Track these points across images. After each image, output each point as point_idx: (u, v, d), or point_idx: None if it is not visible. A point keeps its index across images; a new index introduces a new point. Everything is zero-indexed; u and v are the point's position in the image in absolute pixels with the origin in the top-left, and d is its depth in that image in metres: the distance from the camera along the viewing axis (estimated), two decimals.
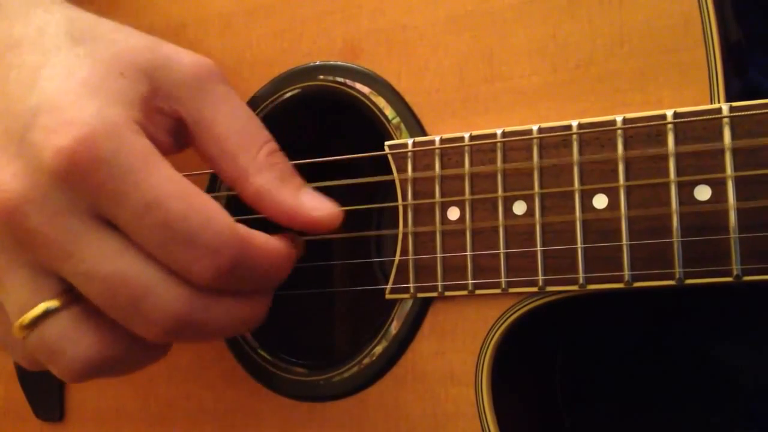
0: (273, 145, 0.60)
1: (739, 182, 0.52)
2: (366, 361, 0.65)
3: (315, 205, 0.59)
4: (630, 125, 0.55)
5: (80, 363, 0.54)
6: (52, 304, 0.54)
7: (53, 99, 0.52)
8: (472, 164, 0.60)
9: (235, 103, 0.59)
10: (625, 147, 0.55)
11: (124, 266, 0.52)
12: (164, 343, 0.58)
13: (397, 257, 0.63)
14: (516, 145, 0.59)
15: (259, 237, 0.56)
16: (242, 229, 0.54)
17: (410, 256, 0.62)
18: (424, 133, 0.63)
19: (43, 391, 0.79)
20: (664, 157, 0.54)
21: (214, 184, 0.72)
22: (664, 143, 0.54)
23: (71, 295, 0.54)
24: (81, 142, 0.50)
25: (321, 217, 0.59)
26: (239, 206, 0.63)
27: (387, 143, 0.64)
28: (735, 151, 0.52)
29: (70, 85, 0.53)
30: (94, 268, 0.52)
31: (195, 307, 0.54)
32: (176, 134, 0.58)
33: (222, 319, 0.56)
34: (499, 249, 0.59)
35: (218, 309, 0.55)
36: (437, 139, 0.62)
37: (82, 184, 0.51)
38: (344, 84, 0.67)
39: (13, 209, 0.52)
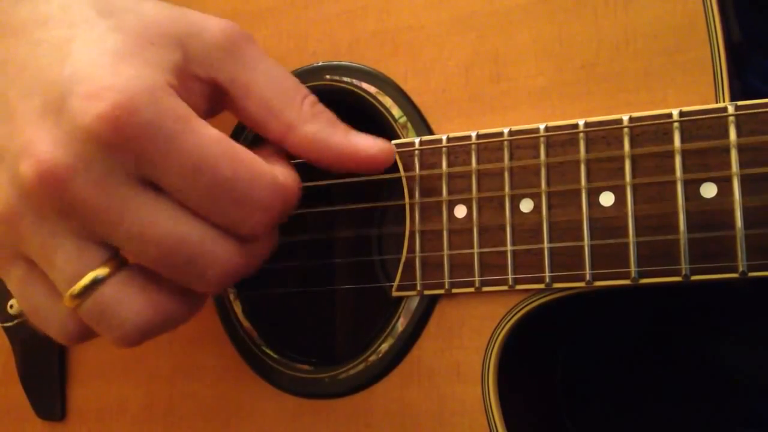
0: (313, 97, 0.61)
1: (744, 180, 0.53)
2: (372, 358, 0.65)
3: (368, 144, 0.61)
4: (636, 123, 0.56)
5: (134, 326, 0.55)
6: (101, 271, 0.54)
7: (88, 68, 0.52)
8: (479, 162, 0.61)
9: (269, 62, 0.60)
10: (632, 145, 0.56)
11: (176, 228, 0.53)
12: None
13: (404, 255, 0.63)
14: (523, 143, 0.59)
15: (289, 178, 0.57)
16: (281, 177, 0.56)
17: (417, 254, 0.63)
18: (431, 133, 0.64)
19: (45, 390, 0.79)
20: (671, 155, 0.55)
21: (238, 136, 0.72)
22: (671, 141, 0.55)
23: (118, 261, 0.55)
24: (122, 107, 0.51)
25: (376, 153, 0.61)
26: None
27: (394, 142, 0.64)
28: (740, 149, 0.53)
29: (102, 54, 0.53)
30: (147, 231, 0.52)
31: (245, 257, 0.55)
32: (211, 100, 0.59)
33: (261, 258, 0.58)
34: (506, 246, 0.60)
35: (259, 251, 0.57)
36: (444, 137, 0.62)
37: (127, 148, 0.51)
38: (351, 84, 0.68)
39: (56, 178, 0.51)
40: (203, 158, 0.52)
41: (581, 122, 0.58)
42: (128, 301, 0.54)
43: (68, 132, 0.52)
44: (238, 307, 0.72)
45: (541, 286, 0.58)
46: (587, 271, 0.57)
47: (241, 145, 0.54)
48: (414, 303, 0.63)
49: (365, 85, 0.67)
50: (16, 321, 0.79)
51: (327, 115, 0.61)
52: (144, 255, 0.54)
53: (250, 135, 0.72)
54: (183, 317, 0.58)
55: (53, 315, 0.57)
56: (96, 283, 0.54)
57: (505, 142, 0.60)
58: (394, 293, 0.64)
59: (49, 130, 0.52)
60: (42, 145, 0.52)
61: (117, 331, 0.55)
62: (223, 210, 0.53)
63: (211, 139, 0.53)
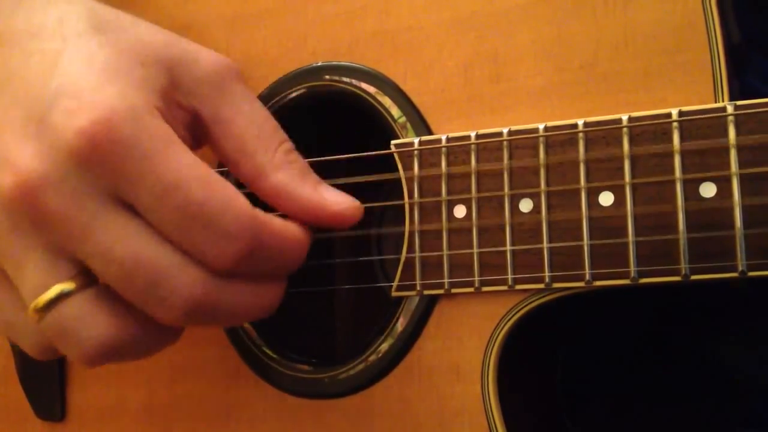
0: (289, 144, 0.60)
1: (743, 179, 0.53)
2: (372, 358, 0.65)
3: (335, 200, 0.59)
4: (636, 123, 0.56)
5: (95, 346, 0.54)
6: (67, 286, 0.53)
7: (74, 82, 0.52)
8: (478, 162, 0.61)
9: (253, 103, 0.60)
10: (631, 145, 0.56)
11: (141, 249, 0.52)
12: (179, 327, 0.57)
13: (404, 255, 0.63)
14: (522, 143, 0.60)
15: (277, 221, 0.56)
16: (261, 213, 0.55)
17: (417, 254, 0.63)
18: (430, 133, 0.64)
19: (44, 390, 0.79)
20: (670, 155, 0.55)
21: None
22: (670, 141, 0.55)
23: (86, 278, 0.54)
24: (101, 123, 0.51)
25: (341, 210, 0.59)
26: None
27: (393, 142, 0.64)
28: (740, 149, 0.53)
29: (90, 70, 0.53)
30: (111, 250, 0.52)
31: (212, 290, 0.54)
32: (192, 130, 0.59)
33: (238, 303, 0.56)
34: (505, 246, 0.60)
35: (235, 293, 0.55)
36: (444, 137, 0.62)
37: (102, 165, 0.51)
38: (350, 84, 0.68)
39: (31, 189, 0.51)
40: (177, 180, 0.51)
41: (580, 122, 0.58)
42: (91, 319, 0.53)
43: (48, 145, 0.52)
44: None
45: (541, 286, 0.58)
46: (587, 271, 0.57)
47: (217, 174, 0.54)
48: (414, 303, 0.63)
49: (365, 85, 0.67)
50: None
51: (299, 164, 0.60)
52: (107, 273, 0.53)
53: None
54: (150, 346, 0.57)
55: (23, 328, 0.57)
56: (61, 297, 0.53)
57: (505, 142, 0.60)
58: (394, 293, 0.64)
59: (29, 141, 0.52)
60: (21, 157, 0.52)
61: (76, 348, 0.54)
62: (190, 235, 0.52)
63: (187, 162, 0.52)
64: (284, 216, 0.59)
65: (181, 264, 0.53)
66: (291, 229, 0.57)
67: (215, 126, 0.58)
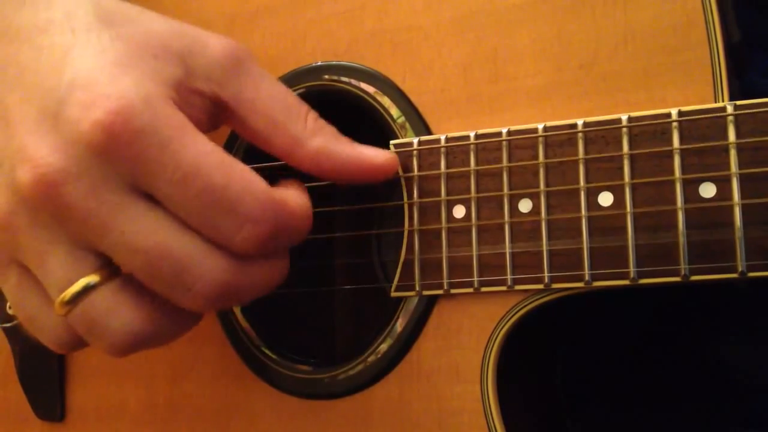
0: (314, 112, 0.61)
1: (743, 179, 0.53)
2: (371, 358, 0.65)
3: (375, 153, 0.61)
4: (635, 123, 0.56)
5: (124, 336, 0.54)
6: (92, 279, 0.54)
7: (87, 75, 0.52)
8: (477, 162, 0.61)
9: (270, 79, 0.60)
10: (631, 145, 0.56)
11: (165, 238, 0.52)
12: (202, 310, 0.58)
13: (403, 255, 0.63)
14: (521, 143, 0.59)
15: (292, 198, 0.56)
16: (277, 193, 0.55)
17: (416, 254, 0.63)
18: (429, 133, 0.64)
19: (44, 390, 0.79)
20: (669, 155, 0.55)
21: (230, 148, 0.73)
22: (669, 141, 0.55)
23: (111, 269, 0.54)
24: (117, 114, 0.51)
25: (382, 163, 0.61)
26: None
27: (392, 142, 0.64)
28: (739, 149, 0.53)
29: (102, 63, 0.53)
30: (135, 241, 0.52)
31: (236, 274, 0.54)
32: (212, 115, 0.59)
33: (257, 282, 0.56)
34: (504, 246, 0.60)
35: (255, 273, 0.56)
36: (443, 137, 0.62)
37: (120, 156, 0.51)
38: (349, 84, 0.68)
39: (50, 184, 0.51)
40: (196, 167, 0.52)
41: (580, 122, 0.58)
42: (119, 310, 0.54)
43: (64, 138, 0.52)
44: (237, 308, 0.72)
45: (540, 286, 0.58)
46: (586, 272, 0.57)
47: (234, 158, 0.54)
48: (413, 303, 0.63)
49: (364, 85, 0.67)
50: (15, 321, 0.79)
51: (330, 128, 0.61)
52: (132, 264, 0.53)
53: (242, 145, 0.72)
54: (174, 332, 0.57)
55: (46, 322, 0.57)
56: (87, 290, 0.53)
57: (504, 142, 0.60)
58: (393, 294, 0.64)
59: (45, 136, 0.52)
60: (38, 151, 0.52)
61: (106, 339, 0.54)
62: (213, 221, 0.53)
63: (205, 149, 0.52)
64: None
65: (205, 250, 0.53)
66: (303, 201, 0.57)
67: (240, 106, 0.58)
